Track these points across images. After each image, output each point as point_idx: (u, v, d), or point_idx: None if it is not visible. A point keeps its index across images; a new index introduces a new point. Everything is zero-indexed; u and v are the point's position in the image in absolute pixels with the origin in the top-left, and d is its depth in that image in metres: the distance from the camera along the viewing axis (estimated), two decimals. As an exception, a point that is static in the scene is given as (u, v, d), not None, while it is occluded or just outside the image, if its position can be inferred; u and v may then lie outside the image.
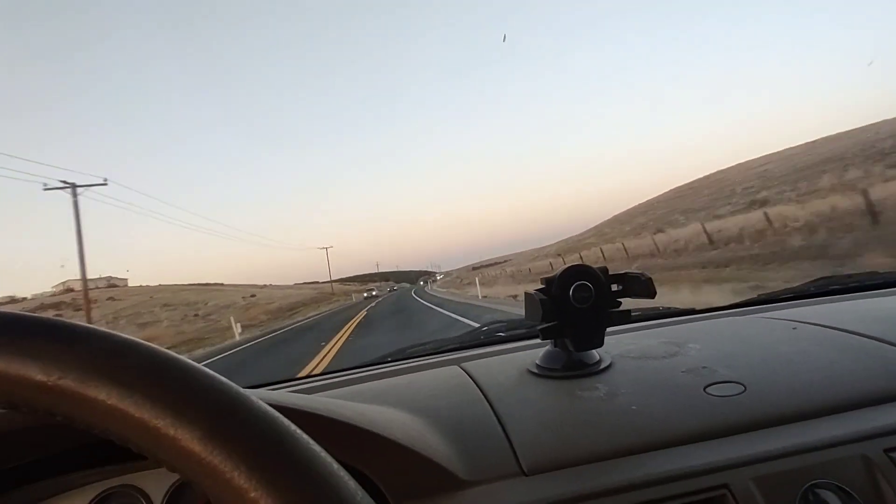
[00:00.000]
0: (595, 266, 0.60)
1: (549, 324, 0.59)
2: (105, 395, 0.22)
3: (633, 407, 0.52)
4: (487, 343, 1.02)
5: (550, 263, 28.73)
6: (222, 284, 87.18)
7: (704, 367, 0.59)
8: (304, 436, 0.23)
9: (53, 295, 56.79)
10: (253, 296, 48.67)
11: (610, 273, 0.61)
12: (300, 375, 1.03)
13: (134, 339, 0.24)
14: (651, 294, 0.60)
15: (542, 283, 0.60)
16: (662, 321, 0.93)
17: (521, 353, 0.79)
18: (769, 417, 0.49)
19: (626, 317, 0.61)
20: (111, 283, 77.88)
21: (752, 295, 1.17)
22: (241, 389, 0.24)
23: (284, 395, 0.47)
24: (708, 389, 0.53)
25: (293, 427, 0.23)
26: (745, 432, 0.47)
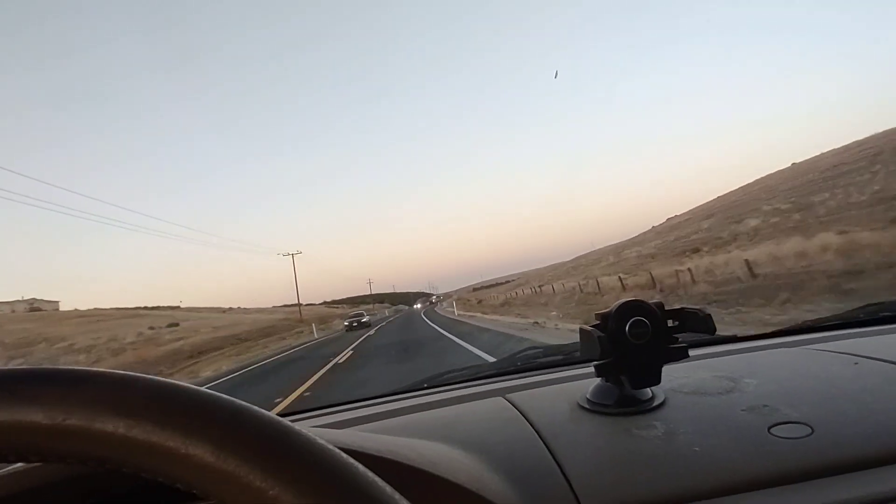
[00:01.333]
0: (651, 301, 0.59)
1: (605, 360, 0.58)
2: (112, 426, 0.22)
3: (696, 448, 0.49)
4: (525, 370, 1.01)
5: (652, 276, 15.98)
6: (178, 307, 71.14)
7: (766, 406, 0.56)
8: (367, 471, 0.23)
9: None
10: (174, 325, 33.63)
11: (666, 308, 0.60)
12: (332, 402, 0.99)
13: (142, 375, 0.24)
14: (710, 330, 0.59)
15: (596, 319, 0.60)
16: (709, 350, 0.91)
17: (566, 384, 0.77)
18: (842, 462, 0.45)
19: (684, 353, 0.59)
20: (33, 307, 62.05)
21: None
22: (289, 423, 0.24)
23: (340, 433, 0.44)
24: (773, 430, 0.50)
25: (356, 464, 0.23)
26: (817, 478, 0.44)
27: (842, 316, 1.05)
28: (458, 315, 23.95)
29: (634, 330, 0.56)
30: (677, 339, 0.59)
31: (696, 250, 20.89)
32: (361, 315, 28.17)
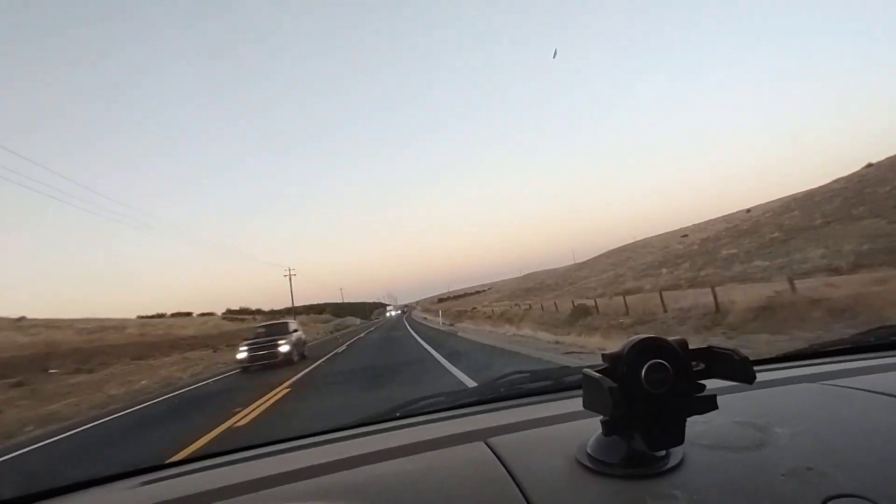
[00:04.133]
0: (672, 339, 0.48)
1: (615, 414, 0.45)
2: None
3: None
4: (510, 397, 0.91)
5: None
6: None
7: (810, 469, 0.45)
8: None
9: None
10: None
11: (690, 348, 0.49)
12: (272, 439, 0.79)
13: None
14: (749, 379, 0.48)
15: (603, 361, 0.48)
16: (719, 382, 0.70)
17: (560, 426, 0.63)
18: None
19: (712, 404, 0.48)
20: None
21: None
22: None
23: None
24: None
25: None
26: None
27: (852, 340, 0.97)
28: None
29: (652, 376, 0.44)
30: (703, 385, 0.47)
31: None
32: None
